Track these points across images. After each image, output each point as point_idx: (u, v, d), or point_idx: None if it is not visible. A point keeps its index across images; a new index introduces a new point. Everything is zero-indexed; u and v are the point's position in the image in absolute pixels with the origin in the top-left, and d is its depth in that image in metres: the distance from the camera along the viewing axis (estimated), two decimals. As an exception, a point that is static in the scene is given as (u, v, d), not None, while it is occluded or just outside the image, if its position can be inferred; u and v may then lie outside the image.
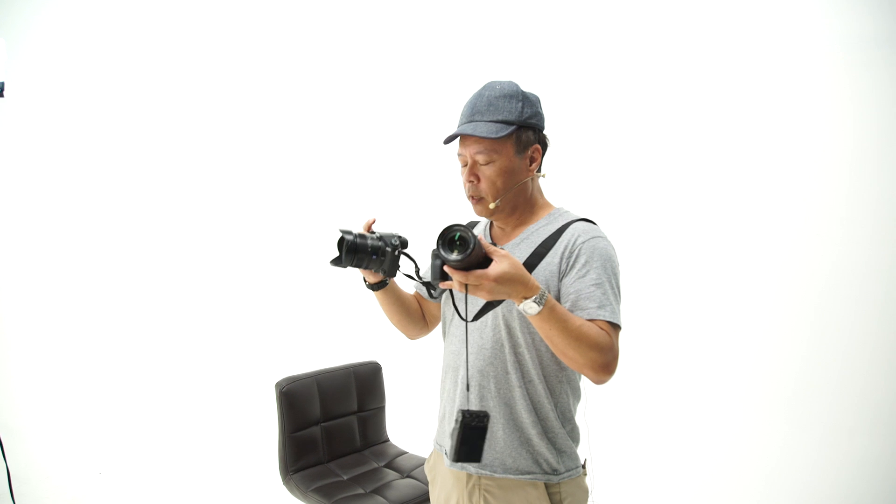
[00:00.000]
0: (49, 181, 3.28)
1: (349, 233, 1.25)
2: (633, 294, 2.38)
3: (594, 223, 1.30)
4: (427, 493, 2.00)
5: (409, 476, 2.10)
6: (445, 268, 1.02)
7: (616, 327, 1.16)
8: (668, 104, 3.00)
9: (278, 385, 2.11)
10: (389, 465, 2.20)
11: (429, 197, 3.39)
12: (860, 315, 2.64)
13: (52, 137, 3.27)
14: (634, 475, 2.84)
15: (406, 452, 2.29)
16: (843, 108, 2.67)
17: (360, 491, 1.99)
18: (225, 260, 3.56)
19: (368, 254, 1.25)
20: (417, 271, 1.38)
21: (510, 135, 1.23)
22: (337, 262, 1.26)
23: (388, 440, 2.38)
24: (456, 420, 1.12)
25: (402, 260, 1.33)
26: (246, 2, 3.40)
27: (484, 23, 3.30)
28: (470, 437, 1.11)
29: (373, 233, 1.29)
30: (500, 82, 1.27)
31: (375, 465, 2.20)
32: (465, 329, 1.29)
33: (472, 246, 0.98)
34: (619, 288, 1.23)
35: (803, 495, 2.60)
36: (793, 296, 2.77)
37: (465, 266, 1.01)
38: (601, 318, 1.14)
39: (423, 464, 2.18)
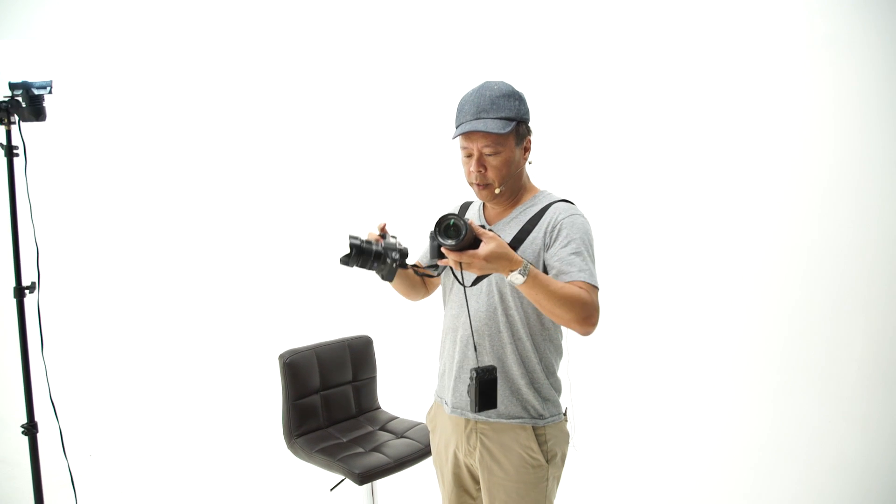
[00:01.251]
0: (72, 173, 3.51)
1: (356, 238, 1.39)
2: (616, 263, 2.57)
3: (572, 203, 1.52)
4: (421, 449, 2.21)
5: (403, 436, 2.30)
6: (442, 249, 1.21)
7: (594, 287, 1.38)
8: (645, 96, 3.16)
9: (281, 357, 2.28)
10: (383, 429, 2.40)
11: (422, 183, 3.60)
12: (846, 296, 2.72)
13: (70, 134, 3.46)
14: (610, 424, 3.13)
15: (397, 417, 2.50)
16: (823, 102, 2.76)
17: (361, 450, 2.19)
18: (232, 247, 3.84)
19: (370, 260, 1.39)
20: (416, 270, 1.56)
21: (512, 129, 1.42)
22: (345, 262, 1.40)
23: (379, 407, 2.58)
24: (471, 378, 1.33)
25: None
26: (253, 4, 3.67)
27: (471, 23, 3.51)
28: (486, 389, 1.33)
29: (383, 236, 1.44)
30: (495, 82, 1.45)
31: (371, 428, 2.40)
32: (464, 296, 1.49)
33: (463, 232, 1.18)
34: (593, 256, 1.45)
35: (776, 450, 2.86)
36: (778, 270, 2.88)
37: (459, 248, 1.20)
38: (581, 279, 1.36)
39: (414, 426, 2.38)
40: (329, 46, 3.78)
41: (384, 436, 2.33)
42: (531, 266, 1.26)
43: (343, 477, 2.11)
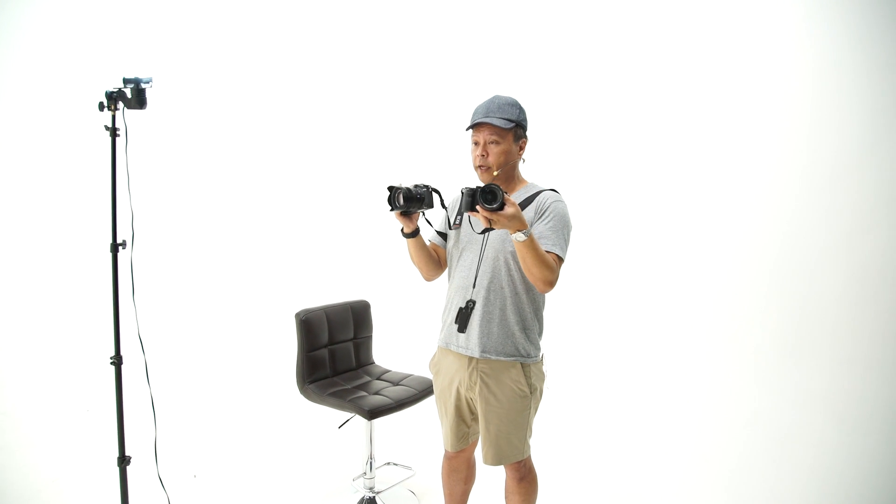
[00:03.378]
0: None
1: (399, 187, 1.84)
2: (589, 252, 2.89)
3: (557, 192, 1.96)
4: (416, 394, 2.62)
5: (399, 384, 2.71)
6: (478, 207, 1.58)
7: (560, 259, 1.81)
8: (631, 104, 3.52)
9: (297, 315, 2.65)
10: (380, 378, 2.80)
11: (428, 172, 3.99)
12: (826, 283, 2.92)
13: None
14: (579, 372, 3.61)
15: (390, 370, 2.90)
16: (801, 101, 2.96)
17: (365, 394, 2.58)
18: (265, 226, 4.38)
19: (413, 196, 1.84)
20: (442, 201, 1.98)
21: (512, 128, 1.86)
22: (392, 206, 1.83)
23: (374, 362, 2.98)
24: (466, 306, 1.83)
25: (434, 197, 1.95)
26: (274, 6, 4.19)
27: (475, 37, 4.04)
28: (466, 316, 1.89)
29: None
30: (503, 95, 1.90)
31: (368, 378, 2.79)
32: (481, 246, 1.92)
33: (500, 200, 1.56)
34: (567, 235, 1.88)
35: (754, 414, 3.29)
36: (754, 244, 3.13)
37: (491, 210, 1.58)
38: (553, 251, 1.80)
39: (407, 377, 2.79)
40: (370, 60, 4.38)
41: (382, 384, 2.73)
42: (532, 232, 1.68)
43: (352, 415, 2.50)
